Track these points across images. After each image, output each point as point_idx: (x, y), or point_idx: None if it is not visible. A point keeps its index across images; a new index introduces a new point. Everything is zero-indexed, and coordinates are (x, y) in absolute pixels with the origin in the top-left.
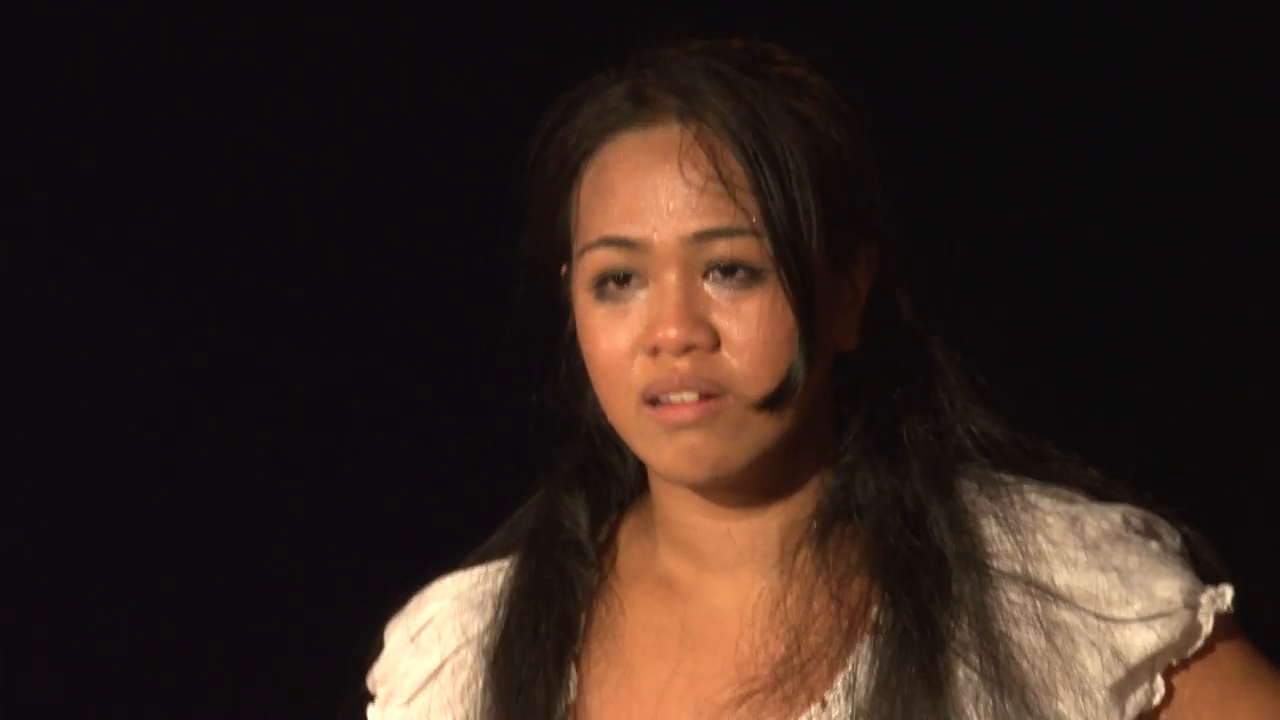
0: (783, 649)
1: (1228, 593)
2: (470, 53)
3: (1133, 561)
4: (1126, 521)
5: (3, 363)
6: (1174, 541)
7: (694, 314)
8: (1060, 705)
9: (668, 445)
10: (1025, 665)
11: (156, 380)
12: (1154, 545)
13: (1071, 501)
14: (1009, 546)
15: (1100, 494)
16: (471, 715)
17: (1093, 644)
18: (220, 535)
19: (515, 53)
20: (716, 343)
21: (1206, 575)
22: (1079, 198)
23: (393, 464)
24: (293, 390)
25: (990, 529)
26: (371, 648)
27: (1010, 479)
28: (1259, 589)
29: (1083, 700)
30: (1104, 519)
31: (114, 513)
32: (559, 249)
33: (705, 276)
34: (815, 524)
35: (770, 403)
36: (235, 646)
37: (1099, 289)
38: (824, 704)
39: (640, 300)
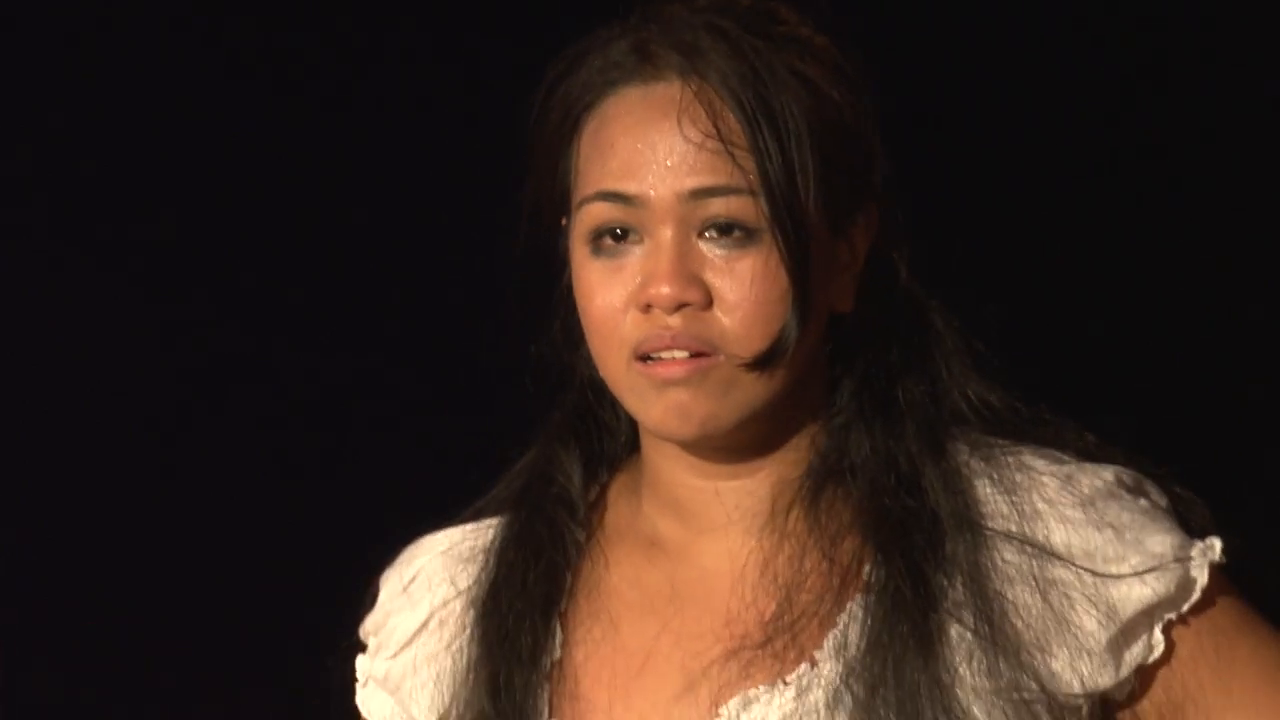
0: (773, 607)
1: (1217, 545)
2: (470, 52)
3: (1125, 518)
4: (1119, 480)
5: (2, 363)
6: (1162, 500)
7: (687, 272)
8: (1055, 662)
9: (657, 401)
10: (1020, 624)
11: (157, 380)
12: (1144, 503)
13: (1063, 462)
14: (1004, 507)
15: (1093, 456)
16: (458, 664)
17: (1089, 600)
18: (220, 535)
19: (515, 52)
20: (709, 301)
21: (1195, 534)
22: (1082, 181)
23: (393, 464)
24: (293, 390)
25: (985, 490)
26: (366, 597)
27: (1004, 442)
28: (1248, 547)
29: (1078, 656)
30: (1097, 477)
31: (114, 513)
32: (559, 200)
33: (701, 234)
34: (807, 483)
35: (761, 362)
36: (235, 647)
37: (1099, 280)
38: (814, 662)
39: (635, 256)
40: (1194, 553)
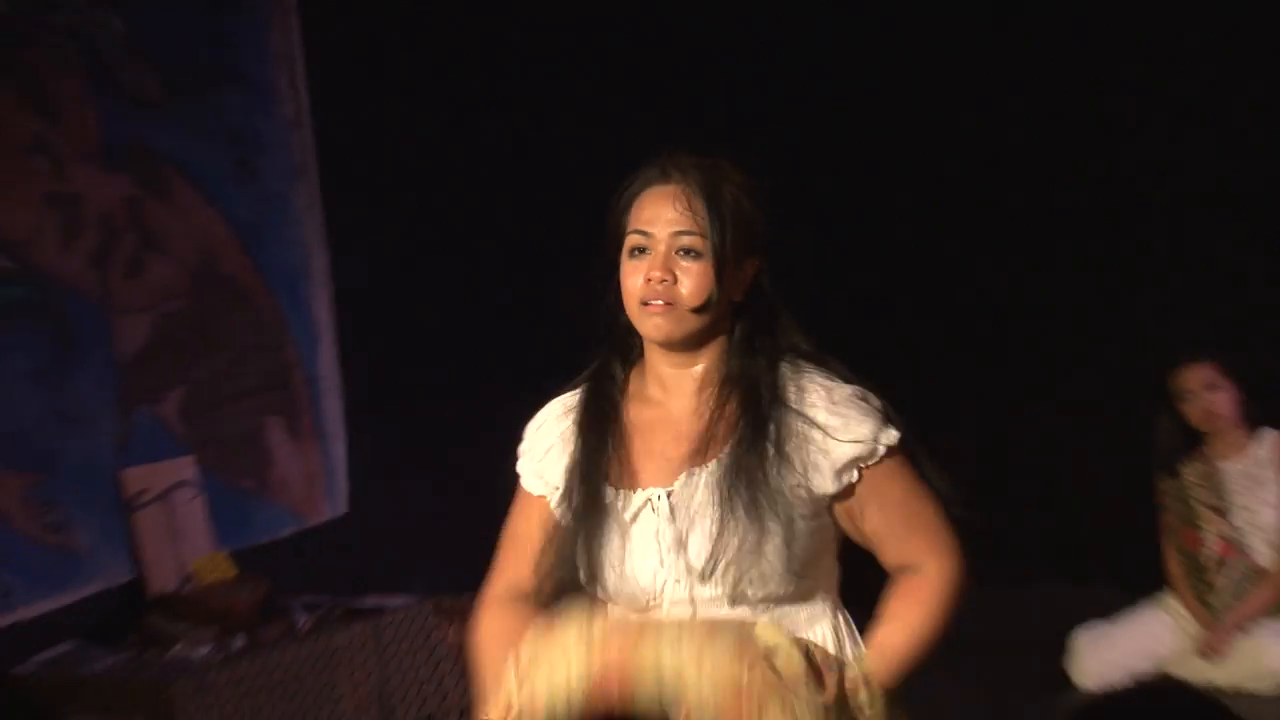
0: (701, 433)
1: (894, 433)
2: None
3: (853, 412)
4: (854, 393)
5: None
6: (877, 404)
7: (667, 267)
8: (812, 476)
9: (648, 322)
10: (795, 456)
11: None
12: (865, 406)
13: (829, 379)
14: (795, 398)
15: (846, 379)
16: (571, 453)
17: (825, 451)
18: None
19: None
20: (676, 281)
21: (893, 425)
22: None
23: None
24: None
25: (790, 389)
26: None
27: (806, 367)
28: (915, 441)
29: (821, 476)
30: (843, 389)
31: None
32: (619, 236)
33: (676, 252)
34: (717, 377)
35: (697, 311)
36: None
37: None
38: (719, 459)
39: (646, 259)
40: (882, 435)
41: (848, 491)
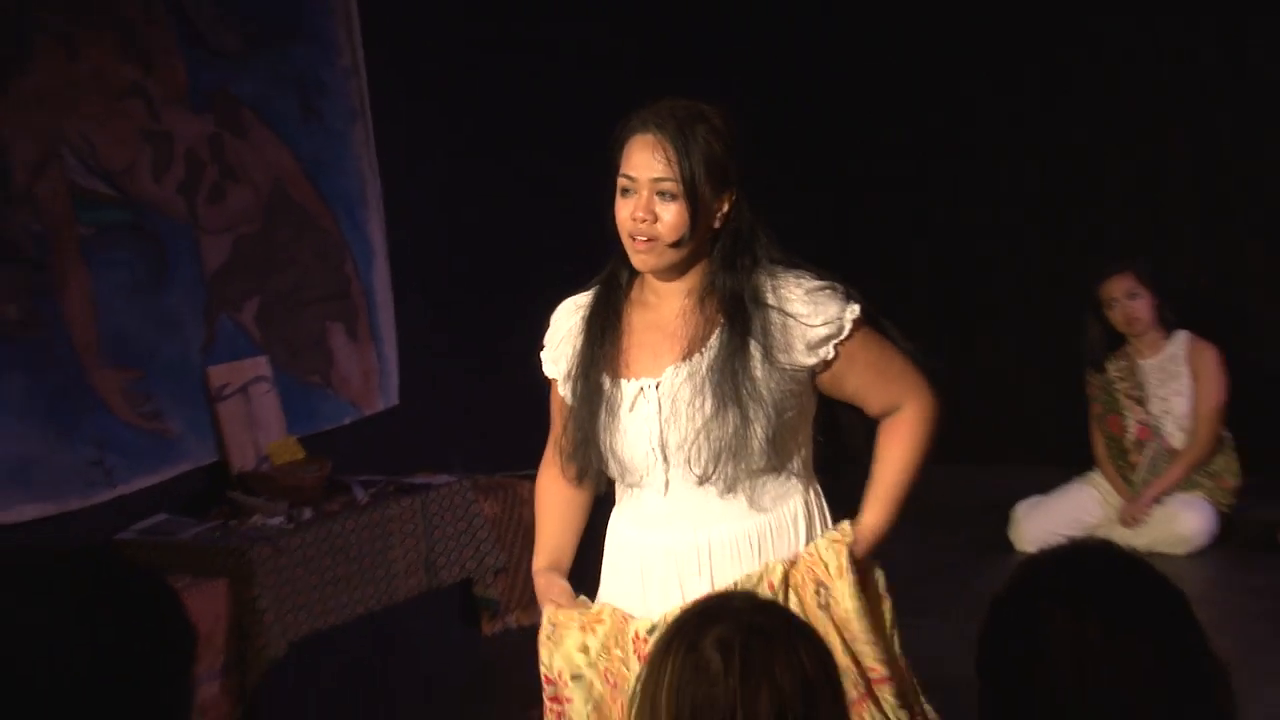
0: (689, 333)
1: (857, 308)
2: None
3: (822, 299)
4: (821, 285)
5: None
6: (840, 289)
7: (650, 208)
8: (792, 355)
9: (635, 256)
10: (777, 341)
11: None
12: (830, 293)
13: (801, 276)
14: (772, 296)
15: (817, 275)
16: (576, 346)
17: (802, 335)
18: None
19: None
20: (656, 219)
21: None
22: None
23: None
24: None
25: (767, 289)
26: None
27: (780, 270)
28: (876, 311)
29: (799, 353)
30: (812, 282)
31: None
32: (615, 172)
33: (655, 194)
34: (698, 289)
35: (674, 246)
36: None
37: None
38: (701, 353)
39: (632, 198)
40: (847, 312)
41: (827, 364)
